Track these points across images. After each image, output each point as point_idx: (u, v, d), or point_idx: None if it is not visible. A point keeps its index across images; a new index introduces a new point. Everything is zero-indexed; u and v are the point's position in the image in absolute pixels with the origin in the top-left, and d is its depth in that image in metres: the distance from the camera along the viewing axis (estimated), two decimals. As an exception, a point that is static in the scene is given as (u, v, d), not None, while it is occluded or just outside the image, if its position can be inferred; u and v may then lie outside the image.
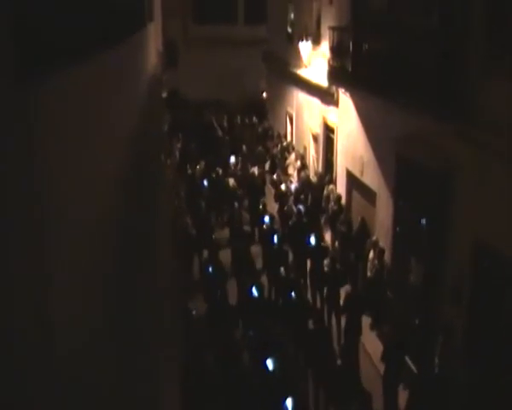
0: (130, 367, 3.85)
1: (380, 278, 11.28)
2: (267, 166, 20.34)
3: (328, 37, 13.96)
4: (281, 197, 16.35)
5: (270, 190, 18.26)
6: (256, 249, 14.05)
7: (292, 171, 18.86)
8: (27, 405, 1.71)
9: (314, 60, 16.99)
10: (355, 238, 12.86)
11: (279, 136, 22.39)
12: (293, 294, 10.54)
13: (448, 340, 8.63)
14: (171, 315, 8.40)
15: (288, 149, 20.47)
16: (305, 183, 16.75)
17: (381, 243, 11.57)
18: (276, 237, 13.18)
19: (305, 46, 17.36)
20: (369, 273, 11.68)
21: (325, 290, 11.72)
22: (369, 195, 12.96)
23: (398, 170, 10.87)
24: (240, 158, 20.22)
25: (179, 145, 21.70)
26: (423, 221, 9.98)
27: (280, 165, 19.72)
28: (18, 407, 1.62)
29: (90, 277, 2.68)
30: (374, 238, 11.90)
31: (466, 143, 8.17)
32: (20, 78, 1.72)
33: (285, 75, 20.62)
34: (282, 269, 11.48)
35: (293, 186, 16.95)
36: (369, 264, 11.72)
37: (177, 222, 14.12)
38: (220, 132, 23.37)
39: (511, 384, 7.42)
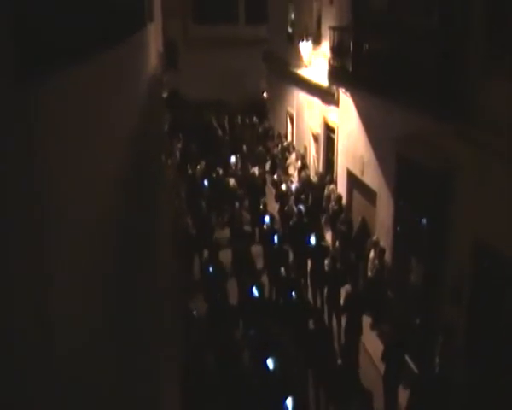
0: (130, 367, 3.85)
1: (380, 278, 11.29)
2: (267, 166, 20.36)
3: (328, 37, 13.97)
4: (281, 197, 16.35)
5: (270, 190, 18.27)
6: (256, 249, 14.06)
7: (292, 171, 18.86)
8: (27, 405, 1.71)
9: (314, 60, 17.00)
10: (355, 238, 12.86)
11: (279, 136, 22.39)
12: (293, 294, 10.54)
13: (448, 340, 8.63)
14: (171, 315, 8.40)
15: (289, 148, 20.48)
16: (305, 183, 16.75)
17: (382, 243, 11.57)
18: (276, 237, 13.19)
19: (305, 46, 17.37)
20: (369, 273, 11.68)
21: (325, 290, 11.72)
22: (369, 194, 12.96)
23: (399, 170, 10.87)
24: (240, 158, 20.23)
25: (180, 145, 21.70)
26: (424, 221, 9.98)
27: (280, 165, 19.73)
28: (18, 407, 1.62)
29: (90, 277, 2.68)
30: (374, 238, 11.90)
31: (466, 143, 8.17)
32: (20, 78, 1.72)
33: (285, 75, 20.62)
34: (282, 269, 11.48)
35: (293, 186, 16.95)
36: (369, 264, 11.72)
37: (178, 222, 14.12)
38: (221, 132, 23.38)
39: (511, 384, 7.42)
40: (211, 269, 11.96)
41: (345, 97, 14.30)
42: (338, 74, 13.35)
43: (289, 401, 7.68)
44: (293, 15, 20.22)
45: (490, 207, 7.82)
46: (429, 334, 9.45)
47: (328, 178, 15.75)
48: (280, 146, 21.05)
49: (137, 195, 5.58)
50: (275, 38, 22.74)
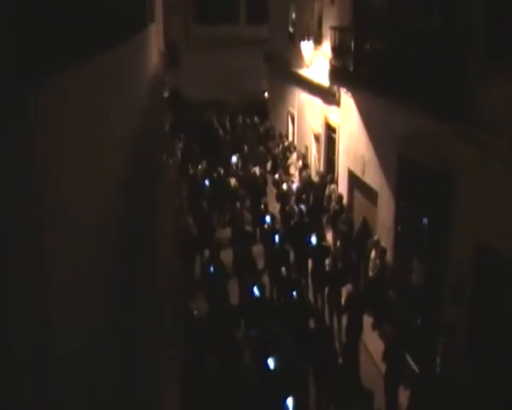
0: (130, 367, 3.85)
1: (381, 278, 11.28)
2: (269, 165, 20.36)
3: (329, 36, 13.98)
4: (282, 197, 16.35)
5: (271, 190, 18.26)
6: (257, 249, 14.05)
7: (293, 171, 18.86)
8: (27, 405, 1.71)
9: (316, 59, 17.00)
10: (356, 238, 12.85)
11: (281, 136, 22.39)
12: (294, 294, 10.54)
13: (449, 340, 8.63)
14: (171, 315, 8.40)
15: (290, 148, 20.47)
16: (306, 182, 16.74)
17: (383, 243, 11.56)
18: (277, 237, 13.18)
19: (306, 46, 17.37)
20: (370, 273, 11.68)
21: (326, 290, 11.72)
22: (370, 194, 12.95)
23: (400, 170, 10.87)
24: (241, 158, 20.22)
25: (181, 145, 21.71)
26: (425, 221, 9.98)
27: (281, 165, 19.72)
28: (18, 407, 1.62)
29: (90, 277, 2.68)
30: (375, 238, 11.89)
31: (466, 143, 8.17)
32: (20, 78, 1.72)
33: (287, 75, 20.61)
34: (283, 269, 11.48)
35: (294, 186, 16.95)
36: (370, 264, 11.72)
37: (179, 222, 14.13)
38: (222, 132, 23.38)
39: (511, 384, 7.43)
40: (212, 269, 11.96)
41: (346, 97, 14.29)
42: (339, 74, 13.34)
43: (290, 401, 7.68)
44: (294, 15, 20.22)
45: (490, 207, 7.81)
46: (430, 334, 9.44)
47: (329, 177, 15.74)
48: (281, 146, 21.04)
49: (137, 195, 5.58)
50: (276, 37, 22.74)
